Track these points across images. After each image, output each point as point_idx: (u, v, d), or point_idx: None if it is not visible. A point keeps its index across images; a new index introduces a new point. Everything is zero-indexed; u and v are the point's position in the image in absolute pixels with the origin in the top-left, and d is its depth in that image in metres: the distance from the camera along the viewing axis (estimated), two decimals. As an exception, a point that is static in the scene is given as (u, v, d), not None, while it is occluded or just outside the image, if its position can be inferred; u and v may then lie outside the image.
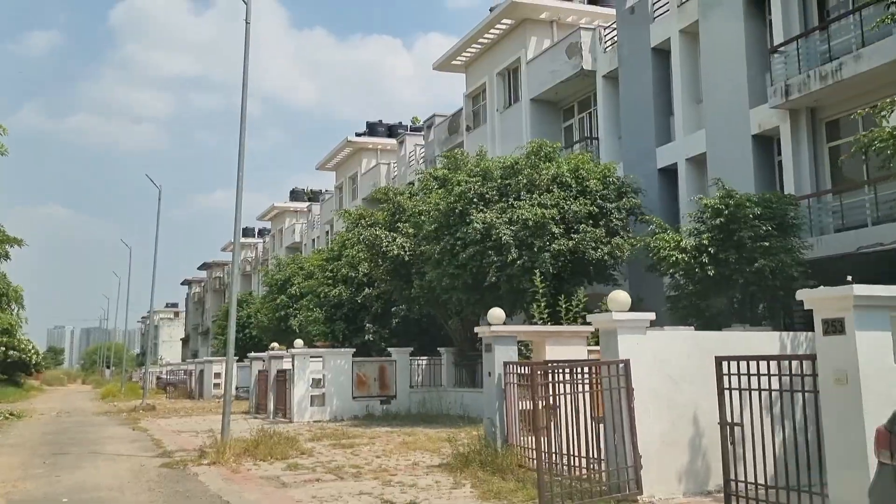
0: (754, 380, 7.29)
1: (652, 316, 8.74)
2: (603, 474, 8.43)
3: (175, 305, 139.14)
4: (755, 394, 7.29)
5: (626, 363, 8.50)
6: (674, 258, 14.15)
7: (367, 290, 27.62)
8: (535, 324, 14.37)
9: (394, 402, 23.07)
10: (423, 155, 36.52)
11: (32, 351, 64.73)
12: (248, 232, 79.01)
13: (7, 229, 22.14)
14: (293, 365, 22.45)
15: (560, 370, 8.83)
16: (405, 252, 21.75)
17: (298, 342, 23.37)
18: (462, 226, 18.67)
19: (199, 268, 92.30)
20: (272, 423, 22.02)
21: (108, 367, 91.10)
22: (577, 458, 8.83)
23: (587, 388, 9.08)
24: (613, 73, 22.43)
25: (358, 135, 44.30)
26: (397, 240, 21.91)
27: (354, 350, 23.51)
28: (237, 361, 39.37)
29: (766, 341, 9.15)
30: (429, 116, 35.71)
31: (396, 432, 17.59)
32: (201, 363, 40.54)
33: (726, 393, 7.47)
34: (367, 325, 27.52)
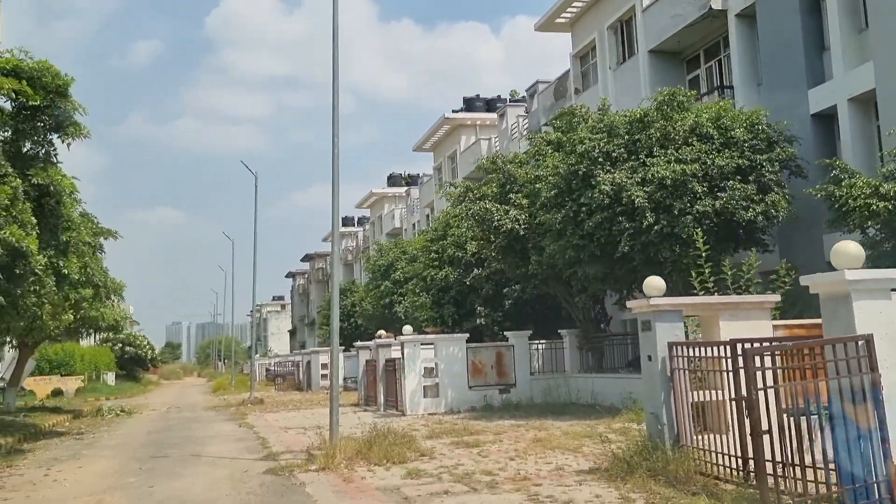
0: None
1: (901, 273, 6.36)
2: (846, 491, 6.16)
3: (281, 298, 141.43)
4: None
5: (868, 340, 6.18)
6: (872, 207, 11.55)
7: (475, 270, 25.70)
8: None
9: (513, 391, 21.08)
10: (526, 126, 34.27)
11: (148, 346, 66.02)
12: (347, 221, 78.56)
13: (121, 232, 21.32)
14: (403, 353, 20.74)
15: (786, 352, 6.59)
16: (519, 225, 19.66)
17: (407, 329, 21.66)
18: (586, 190, 16.43)
19: (302, 259, 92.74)
20: (383, 417, 20.41)
21: (221, 361, 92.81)
22: (797, 469, 6.58)
23: (794, 373, 6.83)
24: (749, 9, 19.63)
25: (455, 112, 42.36)
26: (510, 212, 19.83)
27: (468, 335, 21.59)
28: (343, 351, 38.24)
29: None
30: (531, 84, 33.43)
31: (524, 426, 15.58)
32: (308, 354, 39.64)
33: None
34: (478, 308, 25.59)
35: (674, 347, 8.94)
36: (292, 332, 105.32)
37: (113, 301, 25.27)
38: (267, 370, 52.14)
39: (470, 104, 42.60)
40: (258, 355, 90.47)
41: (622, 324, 23.55)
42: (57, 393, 39.83)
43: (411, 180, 58.20)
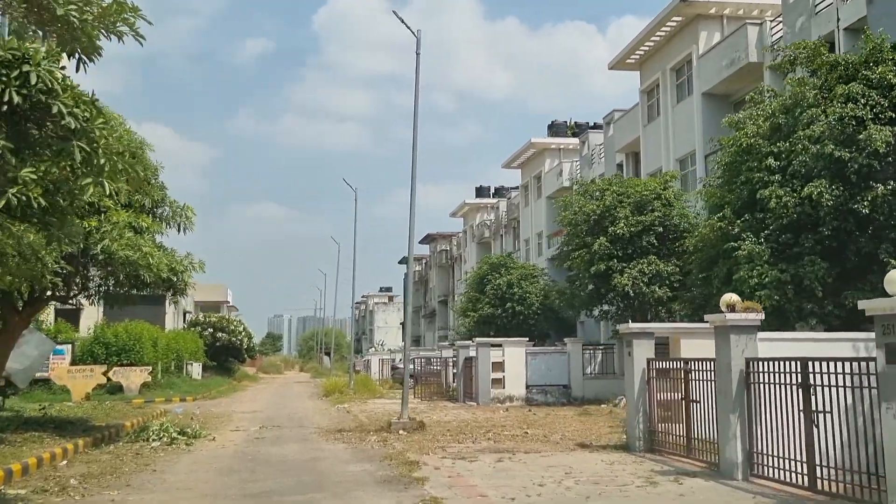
0: None
1: None
2: None
3: (389, 289, 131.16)
4: None
5: None
6: None
7: (879, 187, 12.39)
8: None
9: None
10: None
11: (244, 333, 54.76)
12: (481, 192, 66.00)
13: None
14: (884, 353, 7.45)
15: None
16: None
17: (898, 278, 8.16)
18: None
19: (422, 241, 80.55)
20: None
21: (328, 355, 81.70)
22: None
23: None
24: None
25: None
26: None
27: None
28: (530, 345, 25.40)
29: None
30: None
31: None
32: (465, 347, 26.88)
33: None
34: (888, 259, 12.24)
35: None
36: (405, 326, 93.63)
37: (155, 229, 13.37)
38: (394, 368, 39.79)
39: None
40: (371, 349, 78.58)
41: None
42: (115, 389, 28.71)
43: (579, 129, 44.92)
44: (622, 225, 22.50)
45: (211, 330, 50.65)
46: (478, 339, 24.48)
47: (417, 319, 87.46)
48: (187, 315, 55.98)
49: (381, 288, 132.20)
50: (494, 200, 58.78)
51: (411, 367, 38.12)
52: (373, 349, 74.69)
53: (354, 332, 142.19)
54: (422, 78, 21.73)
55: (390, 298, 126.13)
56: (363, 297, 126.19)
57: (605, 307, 24.71)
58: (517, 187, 53.86)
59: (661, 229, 22.74)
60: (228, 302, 77.95)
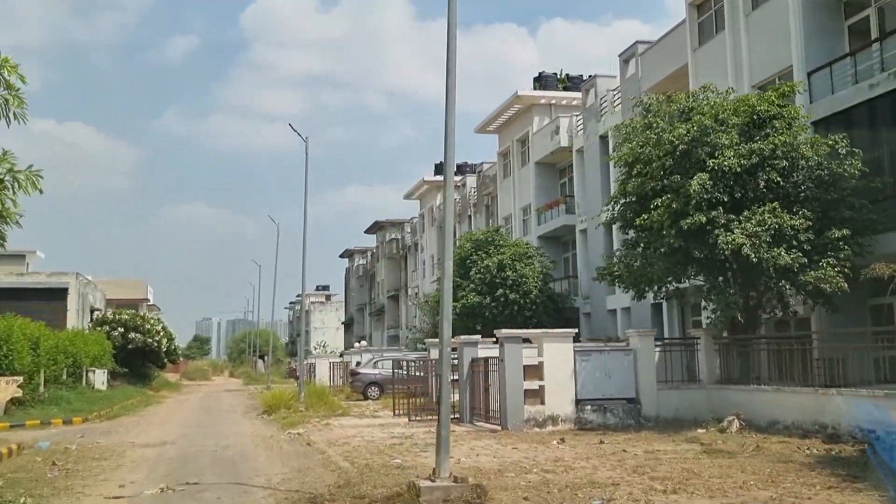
0: None
1: None
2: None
3: (326, 288, 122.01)
4: None
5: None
6: None
7: None
8: None
9: None
10: None
11: (163, 334, 45.41)
12: (442, 169, 57.96)
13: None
14: None
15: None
16: None
17: None
18: None
19: (367, 231, 72.04)
20: None
21: (262, 358, 72.42)
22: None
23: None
24: None
25: None
26: None
27: None
28: (577, 342, 17.50)
29: None
30: None
31: None
32: (471, 345, 18.81)
33: None
34: None
35: None
36: (347, 325, 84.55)
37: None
38: (354, 374, 31.36)
39: None
40: (316, 349, 69.50)
41: None
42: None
43: (572, 83, 37.39)
44: (730, 155, 14.84)
45: (121, 329, 41.38)
46: (504, 331, 16.42)
47: (362, 318, 79.01)
48: (95, 313, 46.38)
49: (317, 286, 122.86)
50: (458, 178, 50.85)
51: (376, 371, 30.13)
52: (317, 350, 65.83)
53: (289, 335, 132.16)
54: (355, 77, 13.48)
55: (328, 297, 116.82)
56: (297, 296, 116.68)
57: (682, 284, 17.05)
58: (483, 163, 46.19)
59: (784, 163, 15.16)
60: (149, 300, 68.22)
